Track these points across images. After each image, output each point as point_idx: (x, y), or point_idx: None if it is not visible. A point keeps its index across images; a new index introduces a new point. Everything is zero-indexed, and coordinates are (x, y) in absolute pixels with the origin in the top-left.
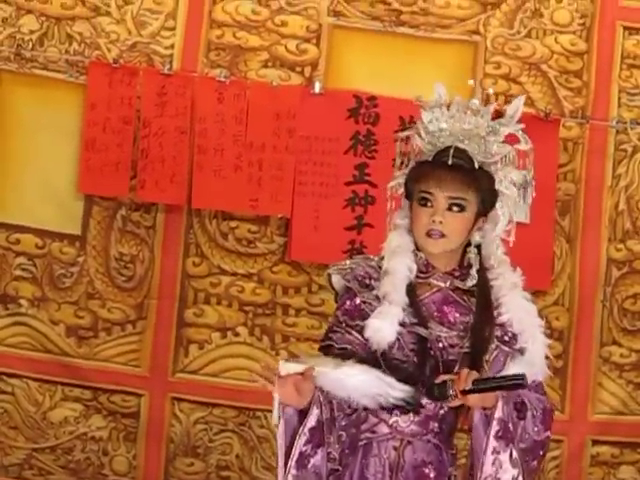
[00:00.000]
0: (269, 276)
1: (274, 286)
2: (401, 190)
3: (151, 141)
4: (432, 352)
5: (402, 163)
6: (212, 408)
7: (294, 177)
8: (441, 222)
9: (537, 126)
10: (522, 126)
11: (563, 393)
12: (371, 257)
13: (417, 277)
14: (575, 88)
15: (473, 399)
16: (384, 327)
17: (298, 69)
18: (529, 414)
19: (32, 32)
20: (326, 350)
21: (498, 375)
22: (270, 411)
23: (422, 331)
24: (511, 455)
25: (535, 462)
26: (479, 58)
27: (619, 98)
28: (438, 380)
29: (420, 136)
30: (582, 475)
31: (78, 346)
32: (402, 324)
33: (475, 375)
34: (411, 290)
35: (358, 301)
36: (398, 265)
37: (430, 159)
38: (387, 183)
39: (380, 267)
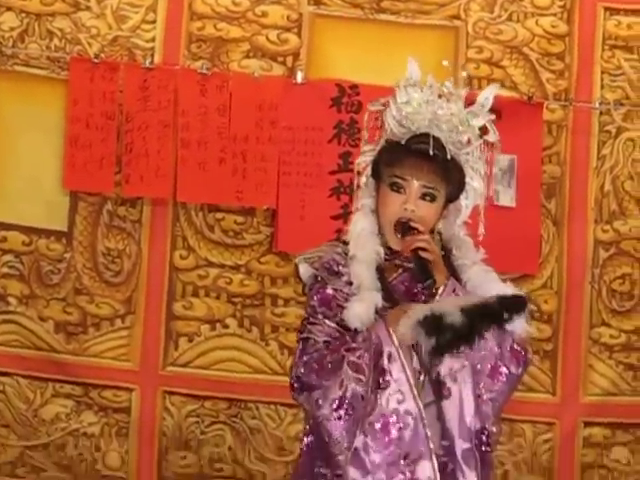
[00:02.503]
0: (257, 267)
1: (262, 277)
2: (368, 167)
3: (135, 135)
4: None
5: (371, 138)
6: (203, 401)
7: (278, 168)
8: (413, 210)
9: (521, 110)
10: (493, 117)
11: (554, 376)
12: (336, 243)
13: (384, 259)
14: (557, 70)
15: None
16: (363, 312)
17: (280, 59)
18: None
19: (12, 29)
20: (305, 343)
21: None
22: (262, 402)
23: None
24: None
25: (490, 384)
26: (461, 43)
27: (602, 79)
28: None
29: (393, 116)
30: (575, 457)
31: (67, 342)
32: (376, 309)
33: (421, 244)
34: (381, 274)
35: (330, 290)
36: (366, 249)
37: (403, 142)
38: None
39: (346, 253)
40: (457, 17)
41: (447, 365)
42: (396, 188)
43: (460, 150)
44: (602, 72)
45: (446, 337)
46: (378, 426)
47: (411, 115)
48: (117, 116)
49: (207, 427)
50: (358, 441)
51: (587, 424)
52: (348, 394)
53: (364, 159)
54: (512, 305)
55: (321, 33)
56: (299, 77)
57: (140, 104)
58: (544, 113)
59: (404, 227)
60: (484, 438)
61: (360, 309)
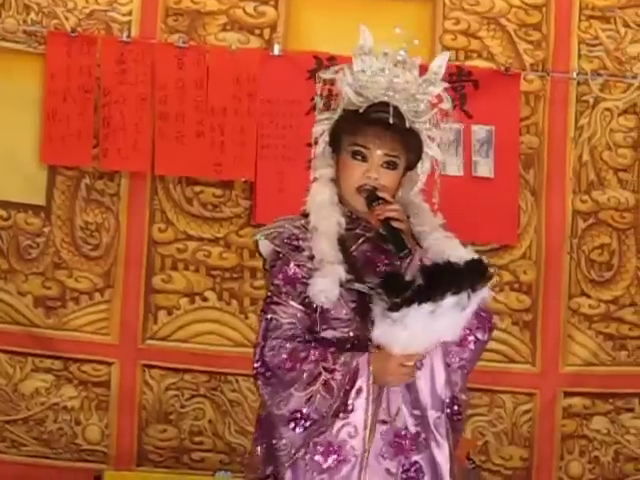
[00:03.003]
0: (235, 240)
1: (241, 250)
2: (324, 136)
3: (112, 109)
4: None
5: (326, 107)
6: (183, 374)
7: (257, 140)
8: (376, 179)
9: (498, 80)
10: (447, 85)
11: (533, 346)
12: (295, 217)
13: (344, 229)
14: (535, 41)
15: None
16: (327, 288)
17: (257, 32)
18: None
19: None
20: (269, 324)
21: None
22: (241, 375)
23: (360, 286)
24: None
25: (459, 351)
26: (438, 14)
27: (579, 50)
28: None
29: (349, 84)
30: (555, 427)
31: (47, 317)
32: (340, 283)
33: (392, 213)
34: (342, 245)
35: (292, 267)
36: (327, 221)
37: (362, 111)
38: None
39: (305, 226)
40: None
41: None
42: (359, 157)
43: (417, 118)
44: (579, 42)
45: (406, 294)
46: (320, 449)
47: (368, 83)
48: (94, 90)
49: (187, 400)
50: (301, 452)
51: (567, 394)
52: (311, 412)
53: (320, 128)
54: (473, 269)
55: (298, 5)
56: (276, 49)
57: (117, 78)
58: (521, 84)
59: (371, 196)
60: (455, 407)
61: (324, 285)
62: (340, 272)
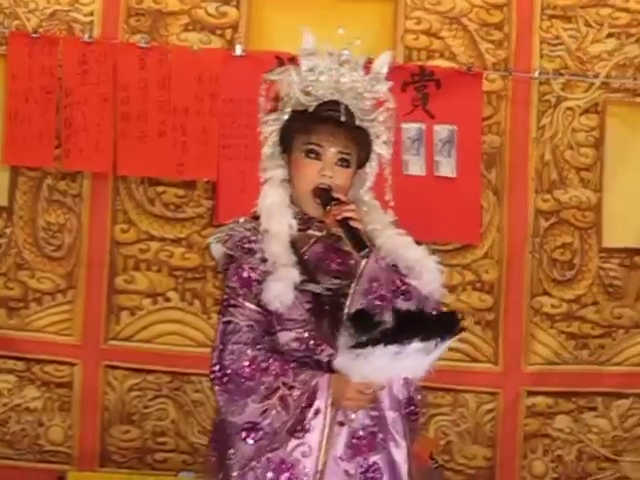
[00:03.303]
0: (198, 240)
1: (203, 250)
2: (272, 137)
3: (74, 110)
4: (327, 307)
5: (274, 108)
6: (146, 374)
7: (219, 140)
8: (331, 177)
9: (460, 80)
10: (392, 83)
11: (496, 346)
12: (246, 219)
13: (296, 230)
14: (496, 41)
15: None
16: (282, 292)
17: (219, 32)
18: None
19: None
20: (227, 327)
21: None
22: (204, 375)
23: (314, 287)
24: None
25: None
26: (399, 14)
27: (541, 49)
28: (329, 192)
29: (297, 85)
30: (518, 427)
31: (9, 317)
32: (295, 286)
33: (349, 213)
34: (294, 247)
35: (247, 270)
36: (278, 223)
37: (311, 110)
38: None
39: (257, 228)
40: None
41: None
42: (313, 155)
43: (365, 117)
44: (541, 42)
45: (373, 333)
46: (272, 466)
47: (315, 83)
48: (56, 90)
49: (150, 401)
50: (252, 464)
51: (530, 393)
52: (265, 425)
53: (268, 129)
54: (446, 322)
55: (260, 5)
56: (238, 50)
57: (79, 78)
58: (483, 83)
59: (326, 196)
60: (412, 407)
61: (278, 290)
62: (294, 275)
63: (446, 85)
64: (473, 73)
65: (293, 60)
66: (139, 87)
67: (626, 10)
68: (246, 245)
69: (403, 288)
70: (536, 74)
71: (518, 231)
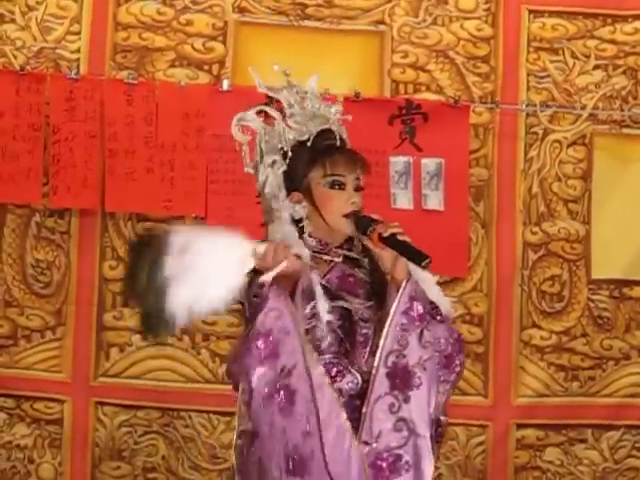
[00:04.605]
0: None
1: None
2: (273, 180)
3: (62, 147)
4: (354, 325)
5: (270, 150)
6: (136, 410)
7: (206, 176)
8: (358, 202)
9: (447, 113)
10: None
11: (486, 378)
12: None
13: (316, 254)
14: (483, 73)
15: (385, 252)
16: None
17: (206, 67)
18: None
19: None
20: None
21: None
22: (194, 411)
23: (345, 304)
24: (420, 336)
25: (447, 374)
26: (386, 48)
27: (527, 81)
28: (365, 215)
29: (281, 122)
30: (508, 459)
31: None
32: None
33: (396, 229)
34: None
35: None
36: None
37: (310, 144)
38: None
39: None
40: (382, 22)
41: (416, 355)
42: (337, 186)
43: (343, 135)
44: (528, 74)
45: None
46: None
47: (298, 116)
48: (44, 127)
49: (140, 437)
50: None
51: (520, 426)
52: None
53: (265, 172)
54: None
55: (246, 41)
56: (225, 85)
57: (67, 115)
58: (471, 116)
59: (363, 221)
60: (439, 429)
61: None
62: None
63: (433, 118)
64: (460, 106)
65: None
66: (126, 123)
67: (613, 42)
68: None
69: (439, 311)
70: (523, 106)
71: (507, 264)
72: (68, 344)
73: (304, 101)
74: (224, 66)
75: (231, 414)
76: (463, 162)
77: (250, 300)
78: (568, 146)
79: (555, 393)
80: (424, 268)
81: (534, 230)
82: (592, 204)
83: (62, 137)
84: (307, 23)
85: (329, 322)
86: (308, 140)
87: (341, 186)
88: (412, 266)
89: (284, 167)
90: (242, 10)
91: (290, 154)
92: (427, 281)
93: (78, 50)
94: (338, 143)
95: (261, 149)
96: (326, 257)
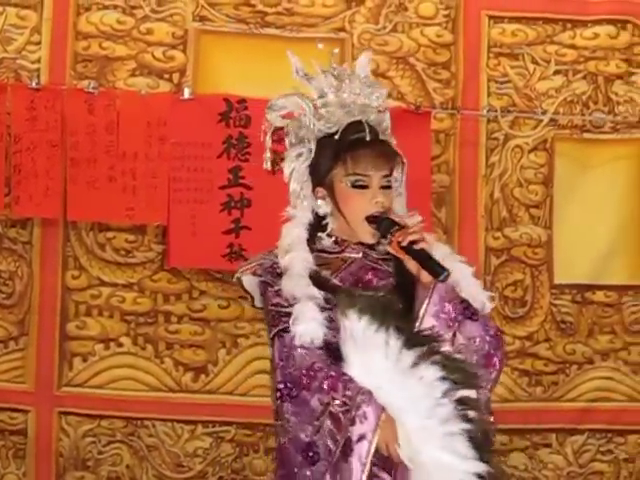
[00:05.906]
0: (149, 285)
1: (155, 294)
2: (299, 174)
3: (23, 156)
4: None
5: (297, 142)
6: (100, 420)
7: (169, 184)
8: (383, 202)
9: (408, 119)
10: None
11: None
12: (268, 251)
13: (330, 254)
14: (444, 79)
15: (406, 258)
16: (306, 328)
17: (166, 76)
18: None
19: None
20: (283, 338)
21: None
22: (158, 419)
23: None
24: (453, 340)
25: (486, 373)
26: (347, 55)
27: (488, 87)
28: (387, 218)
29: (310, 113)
30: None
31: None
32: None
33: (415, 236)
34: (317, 278)
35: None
36: (294, 261)
37: (338, 137)
38: (262, 184)
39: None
40: (342, 29)
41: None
42: (360, 186)
43: (380, 127)
44: (488, 80)
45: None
46: None
47: (328, 107)
48: (5, 137)
49: (104, 446)
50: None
51: None
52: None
53: (292, 165)
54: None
55: (207, 49)
56: (186, 93)
57: (28, 125)
58: (432, 122)
59: (384, 225)
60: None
61: (301, 328)
62: (311, 309)
63: (394, 125)
64: (421, 112)
65: (242, 102)
66: (88, 132)
67: (573, 47)
68: (277, 270)
69: (472, 309)
70: (484, 112)
71: None
72: (31, 354)
73: (342, 85)
74: (185, 74)
75: (195, 422)
76: (425, 168)
77: None
78: (529, 151)
79: (519, 398)
80: (442, 282)
81: (496, 235)
82: (554, 209)
83: (23, 147)
84: (267, 31)
85: None
86: (336, 133)
87: (364, 185)
88: (446, 256)
89: (309, 161)
90: (202, 18)
91: (315, 148)
92: (463, 271)
93: (39, 60)
94: (368, 137)
95: (290, 141)
96: (342, 256)
